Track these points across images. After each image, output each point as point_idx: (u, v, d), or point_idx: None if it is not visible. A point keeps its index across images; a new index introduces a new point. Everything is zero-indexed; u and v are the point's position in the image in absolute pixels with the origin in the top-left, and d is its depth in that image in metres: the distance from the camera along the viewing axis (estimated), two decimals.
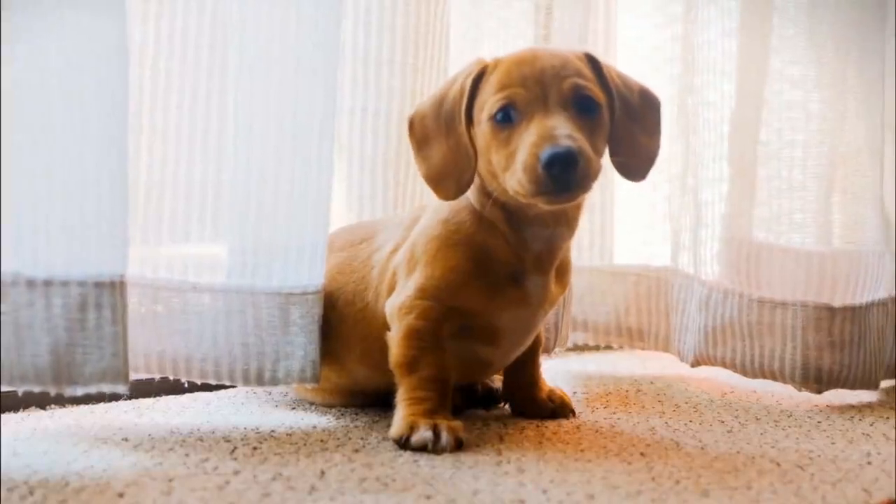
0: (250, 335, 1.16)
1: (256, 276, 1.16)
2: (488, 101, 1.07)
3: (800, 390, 1.42)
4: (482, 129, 1.08)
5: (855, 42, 1.44)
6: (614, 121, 1.11)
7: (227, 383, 1.18)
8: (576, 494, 0.91)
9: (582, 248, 1.60)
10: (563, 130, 1.01)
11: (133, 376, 1.22)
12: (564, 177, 1.00)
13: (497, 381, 1.31)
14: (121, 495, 0.88)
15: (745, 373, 1.44)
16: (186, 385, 1.22)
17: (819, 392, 1.40)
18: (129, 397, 1.27)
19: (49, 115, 0.99)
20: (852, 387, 1.41)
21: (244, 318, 1.15)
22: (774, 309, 1.41)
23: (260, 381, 1.16)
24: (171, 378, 1.17)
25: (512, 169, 1.04)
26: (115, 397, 1.25)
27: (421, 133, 1.13)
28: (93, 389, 1.01)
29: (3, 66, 0.96)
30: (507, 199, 1.09)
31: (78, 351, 1.00)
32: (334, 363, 1.20)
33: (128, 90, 1.04)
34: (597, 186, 1.54)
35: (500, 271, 1.11)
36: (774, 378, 1.42)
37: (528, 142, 1.02)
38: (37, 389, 0.99)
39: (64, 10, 0.98)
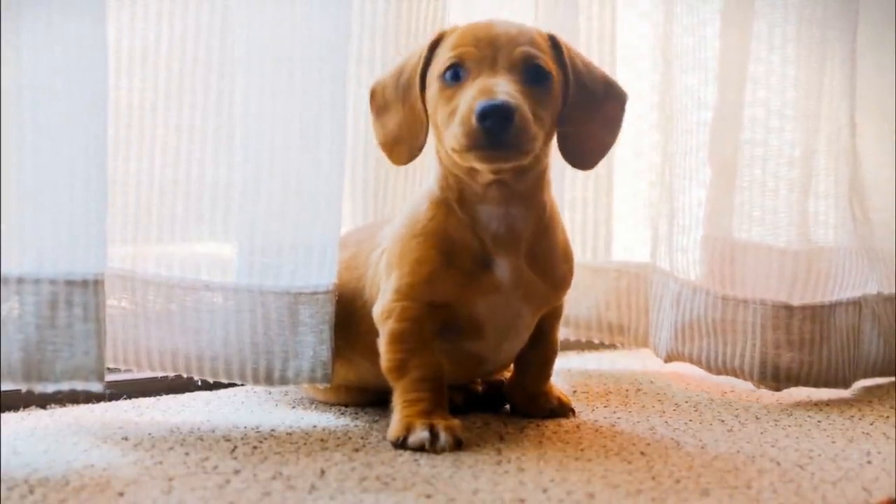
0: (260, 335, 1.16)
1: (266, 276, 1.16)
2: (439, 61, 1.09)
3: (758, 388, 1.43)
4: (431, 88, 1.09)
5: (831, 42, 1.45)
6: (569, 102, 1.11)
7: (238, 382, 1.18)
8: (576, 493, 0.91)
9: (575, 244, 1.60)
10: (503, 88, 1.02)
11: (148, 374, 1.25)
12: (498, 131, 1.00)
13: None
14: (121, 494, 0.88)
15: (709, 369, 1.45)
16: (200, 383, 1.23)
17: (777, 390, 1.42)
18: (129, 396, 1.27)
19: (23, 114, 0.98)
20: (815, 385, 1.42)
21: (254, 318, 1.16)
22: (737, 306, 1.42)
23: (269, 380, 1.17)
24: (185, 376, 1.18)
25: (451, 125, 1.04)
26: (114, 396, 1.25)
27: (381, 101, 1.15)
28: (65, 387, 1.01)
29: None
30: (451, 165, 1.10)
31: (48, 348, 1.00)
32: (342, 357, 1.20)
33: (107, 89, 1.04)
34: (591, 185, 1.58)
35: (465, 257, 1.11)
36: (735, 375, 1.43)
37: (468, 96, 1.03)
38: (8, 386, 0.99)
39: (40, 10, 0.98)
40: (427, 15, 1.41)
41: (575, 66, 1.13)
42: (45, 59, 0.99)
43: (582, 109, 1.12)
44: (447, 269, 1.11)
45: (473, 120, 1.01)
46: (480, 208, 1.11)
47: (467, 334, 1.14)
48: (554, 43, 1.12)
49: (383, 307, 1.13)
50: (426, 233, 1.12)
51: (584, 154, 1.15)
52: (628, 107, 1.58)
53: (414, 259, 1.12)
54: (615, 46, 1.60)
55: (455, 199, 1.12)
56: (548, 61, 1.08)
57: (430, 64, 1.11)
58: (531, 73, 1.07)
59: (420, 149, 1.12)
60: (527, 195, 1.12)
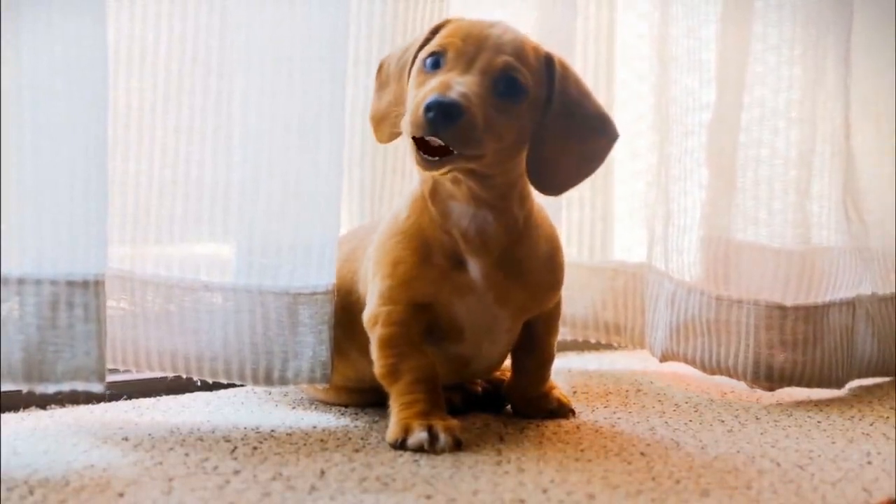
0: (259, 335, 1.16)
1: (264, 276, 1.16)
2: (429, 47, 1.08)
3: (752, 388, 1.44)
4: (413, 71, 1.09)
5: (826, 42, 1.46)
6: (547, 126, 1.08)
7: (238, 382, 1.18)
8: (576, 494, 0.91)
9: (573, 244, 1.60)
10: (460, 88, 1.01)
11: (147, 374, 1.25)
12: (439, 126, 0.99)
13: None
14: (121, 495, 0.88)
15: (703, 369, 1.46)
16: (199, 383, 1.23)
17: (770, 390, 1.42)
18: (129, 397, 1.27)
19: (23, 114, 0.98)
20: (808, 385, 1.42)
21: (253, 318, 1.16)
22: (731, 307, 1.43)
23: (269, 380, 1.17)
24: (184, 376, 1.18)
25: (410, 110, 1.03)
26: (114, 397, 1.25)
27: (384, 76, 1.16)
28: (66, 387, 1.01)
29: None
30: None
31: (49, 349, 1.00)
32: (342, 354, 1.20)
33: (108, 89, 1.04)
34: (589, 185, 1.57)
35: (439, 254, 1.11)
36: (729, 375, 1.44)
37: (428, 87, 1.02)
38: (9, 387, 0.99)
39: (40, 10, 0.98)
40: (424, 16, 1.41)
41: (566, 92, 1.09)
42: (45, 59, 0.99)
43: (560, 136, 1.09)
44: (422, 267, 1.11)
45: (420, 110, 1.00)
46: (452, 204, 1.11)
47: (448, 336, 1.14)
48: (548, 63, 1.09)
49: (370, 313, 1.13)
50: (402, 232, 1.12)
51: (550, 181, 1.11)
52: (627, 107, 1.60)
53: (391, 260, 1.12)
54: (613, 47, 1.60)
55: (429, 193, 1.11)
56: (527, 77, 1.05)
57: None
58: (505, 84, 1.04)
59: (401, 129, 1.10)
60: (493, 203, 1.10)
